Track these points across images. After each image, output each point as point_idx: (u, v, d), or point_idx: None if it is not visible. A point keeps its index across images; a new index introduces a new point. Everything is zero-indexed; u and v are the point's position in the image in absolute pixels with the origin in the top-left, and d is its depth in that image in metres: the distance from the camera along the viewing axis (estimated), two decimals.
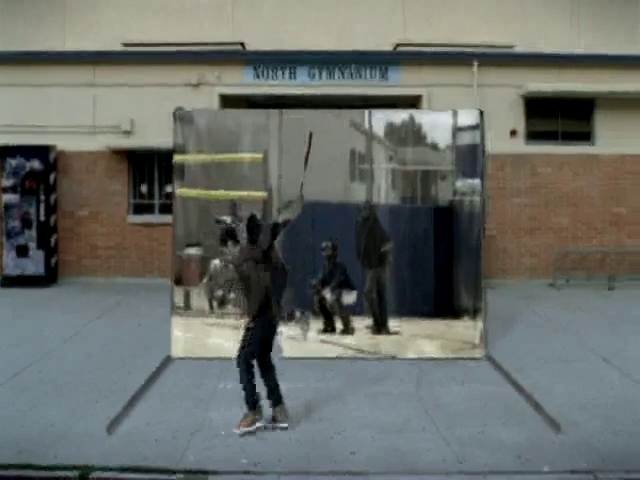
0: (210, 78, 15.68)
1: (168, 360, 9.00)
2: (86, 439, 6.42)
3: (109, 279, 15.71)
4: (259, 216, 8.73)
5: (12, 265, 15.24)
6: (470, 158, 9.81)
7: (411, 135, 10.35)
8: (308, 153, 8.38)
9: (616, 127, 15.94)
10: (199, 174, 9.95)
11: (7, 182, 15.25)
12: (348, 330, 9.87)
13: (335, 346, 9.61)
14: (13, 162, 15.19)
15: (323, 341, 9.74)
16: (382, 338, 9.76)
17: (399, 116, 10.70)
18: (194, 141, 10.00)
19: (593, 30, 16.15)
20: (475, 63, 15.57)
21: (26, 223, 15.23)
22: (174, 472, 5.80)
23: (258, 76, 15.82)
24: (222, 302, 9.88)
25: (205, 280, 9.93)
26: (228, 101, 15.63)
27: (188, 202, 9.83)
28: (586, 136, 16.19)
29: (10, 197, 15.25)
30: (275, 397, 6.90)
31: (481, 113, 9.73)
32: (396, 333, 9.78)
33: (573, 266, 15.63)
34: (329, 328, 9.93)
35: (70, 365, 8.85)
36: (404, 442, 6.45)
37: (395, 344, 9.59)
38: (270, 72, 15.82)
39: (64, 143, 15.62)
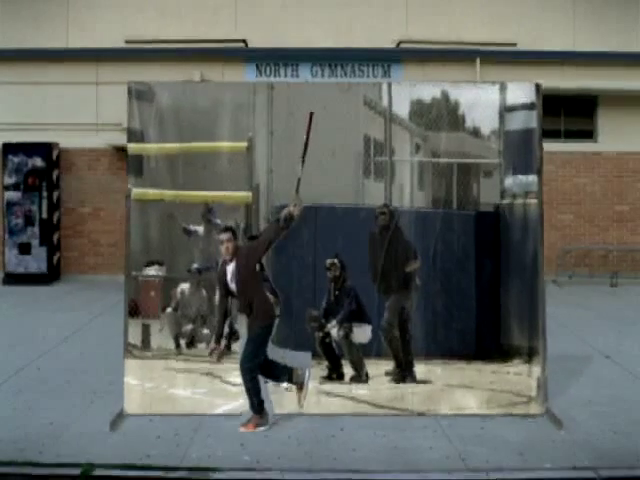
0: (212, 75, 15.68)
1: (121, 416, 6.94)
2: (87, 437, 6.41)
3: (112, 276, 15.69)
4: (241, 226, 7.42)
5: (15, 262, 15.27)
6: (523, 147, 7.64)
7: (445, 117, 7.86)
8: (308, 140, 6.68)
9: (619, 125, 15.95)
10: (162, 169, 7.62)
11: (9, 179, 15.28)
12: (360, 377, 7.40)
13: (343, 399, 7.26)
14: (15, 159, 15.22)
15: (327, 392, 7.31)
16: (406, 388, 7.37)
17: (429, 91, 7.98)
18: (156, 125, 7.58)
19: (591, 29, 16.10)
20: (478, 60, 15.57)
21: (28, 220, 15.25)
22: (177, 469, 5.81)
23: (260, 73, 15.83)
24: (192, 340, 7.56)
25: (169, 310, 7.58)
26: None
27: (147, 206, 7.55)
28: (589, 134, 16.20)
29: (12, 194, 15.28)
30: (287, 373, 6.87)
31: (537, 87, 7.54)
32: (425, 382, 7.40)
33: (576, 263, 15.62)
34: (335, 375, 7.45)
35: (68, 364, 8.82)
36: (406, 439, 6.44)
37: (424, 396, 7.29)
38: (272, 69, 15.83)
39: (66, 140, 15.65)
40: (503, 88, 7.86)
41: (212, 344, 6.77)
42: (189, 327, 7.58)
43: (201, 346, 7.49)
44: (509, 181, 7.91)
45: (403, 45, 15.85)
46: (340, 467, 5.87)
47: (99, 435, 6.45)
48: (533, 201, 7.52)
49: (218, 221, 7.38)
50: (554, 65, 15.76)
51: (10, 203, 15.28)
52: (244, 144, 7.57)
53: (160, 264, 7.70)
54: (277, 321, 6.86)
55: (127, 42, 15.83)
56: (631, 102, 15.87)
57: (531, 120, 7.57)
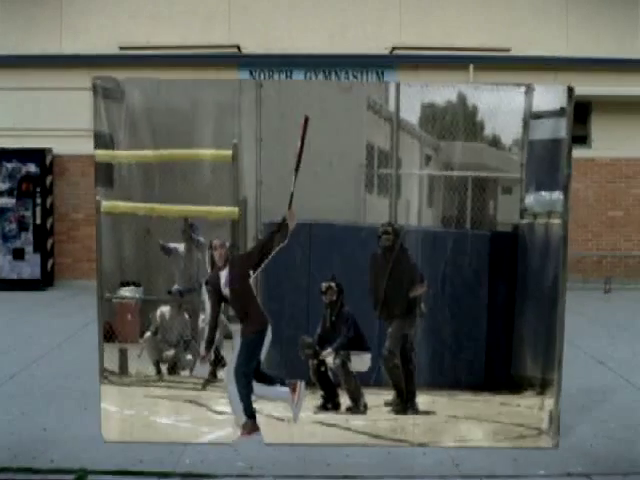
0: None
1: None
2: (80, 443, 6.39)
3: None
4: (227, 244, 6.45)
5: (8, 268, 15.26)
6: (549, 161, 6.70)
7: (461, 123, 6.85)
8: (302, 149, 6.00)
9: (612, 130, 15.99)
10: (136, 179, 6.67)
11: (3, 185, 15.29)
12: (358, 407, 6.74)
13: (339, 429, 6.60)
14: (9, 166, 15.22)
15: (322, 423, 6.67)
16: (408, 420, 6.71)
17: (443, 93, 6.88)
18: (127, 129, 6.71)
19: (586, 30, 16.16)
20: (471, 66, 15.62)
21: (22, 226, 15.24)
22: (171, 475, 5.79)
23: (254, 79, 15.83)
24: (174, 366, 6.94)
25: (149, 334, 6.94)
26: None
27: (121, 221, 6.67)
28: (582, 139, 16.21)
29: (6, 200, 15.28)
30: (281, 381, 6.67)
31: (570, 91, 6.68)
32: (428, 413, 6.75)
33: (569, 269, 15.60)
34: (330, 404, 6.82)
35: (62, 369, 8.82)
36: (399, 445, 6.45)
37: (426, 428, 6.64)
38: (266, 75, 15.84)
39: (60, 147, 15.62)
40: (529, 91, 6.89)
41: (202, 352, 6.58)
42: (171, 352, 6.96)
43: (184, 373, 6.92)
44: (531, 198, 6.96)
45: (397, 51, 15.90)
46: (334, 473, 5.87)
47: (92, 440, 6.41)
48: (557, 221, 6.56)
49: (201, 238, 6.64)
50: (547, 71, 15.79)
51: (4, 209, 15.28)
52: (229, 152, 6.55)
53: (136, 285, 6.95)
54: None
55: (121, 48, 15.84)
56: (625, 108, 15.92)
57: (560, 129, 6.66)
